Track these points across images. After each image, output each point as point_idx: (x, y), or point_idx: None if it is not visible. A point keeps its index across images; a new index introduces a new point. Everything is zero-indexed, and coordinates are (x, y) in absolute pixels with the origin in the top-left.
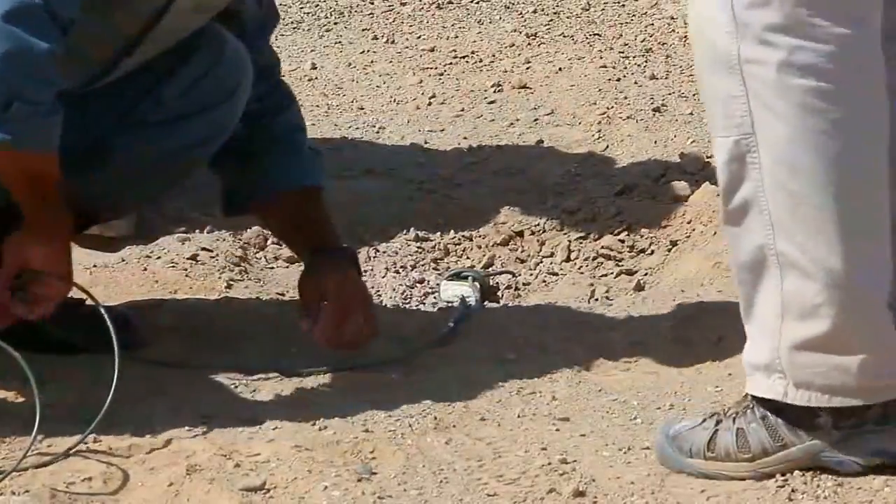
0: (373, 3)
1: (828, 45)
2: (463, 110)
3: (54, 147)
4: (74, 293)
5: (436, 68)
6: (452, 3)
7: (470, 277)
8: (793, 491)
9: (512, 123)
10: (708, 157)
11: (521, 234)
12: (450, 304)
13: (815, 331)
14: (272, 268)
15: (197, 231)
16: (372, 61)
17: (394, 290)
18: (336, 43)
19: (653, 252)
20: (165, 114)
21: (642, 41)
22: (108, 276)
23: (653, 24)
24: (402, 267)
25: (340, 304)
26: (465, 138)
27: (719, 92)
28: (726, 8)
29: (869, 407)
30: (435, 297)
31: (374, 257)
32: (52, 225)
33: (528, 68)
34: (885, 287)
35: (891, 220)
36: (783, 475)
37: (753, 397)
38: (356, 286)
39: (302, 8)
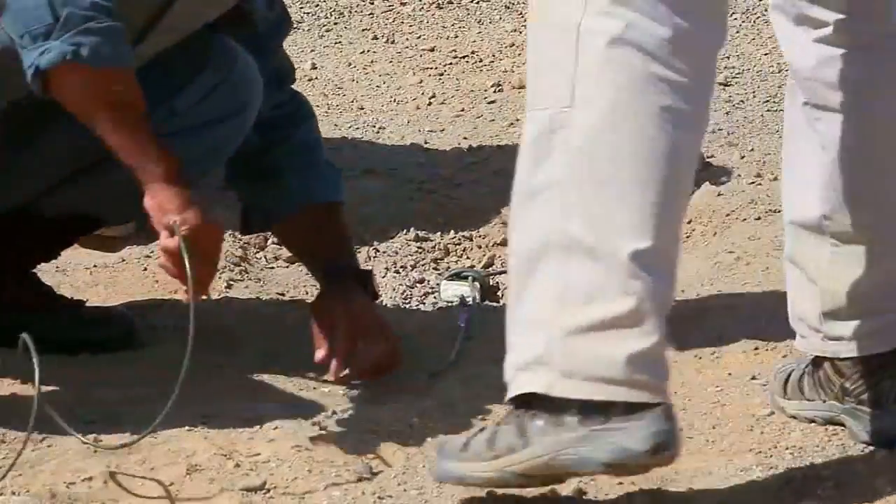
0: (373, 3)
1: (665, 28)
2: (463, 110)
3: (131, 62)
4: (76, 293)
5: (436, 68)
6: (452, 2)
7: (470, 277)
8: (795, 491)
9: (512, 123)
10: (708, 157)
11: None
12: (449, 304)
13: (595, 316)
14: (272, 268)
15: None
16: (372, 61)
17: (394, 290)
18: (336, 43)
19: None
20: (178, 125)
21: None
22: (108, 276)
23: None
24: (402, 267)
25: (351, 334)
26: (465, 138)
27: (547, 60)
28: None
29: (615, 402)
30: (435, 297)
31: (374, 257)
32: (167, 161)
33: None
34: (670, 283)
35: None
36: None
37: (512, 401)
38: (368, 314)
39: (302, 8)
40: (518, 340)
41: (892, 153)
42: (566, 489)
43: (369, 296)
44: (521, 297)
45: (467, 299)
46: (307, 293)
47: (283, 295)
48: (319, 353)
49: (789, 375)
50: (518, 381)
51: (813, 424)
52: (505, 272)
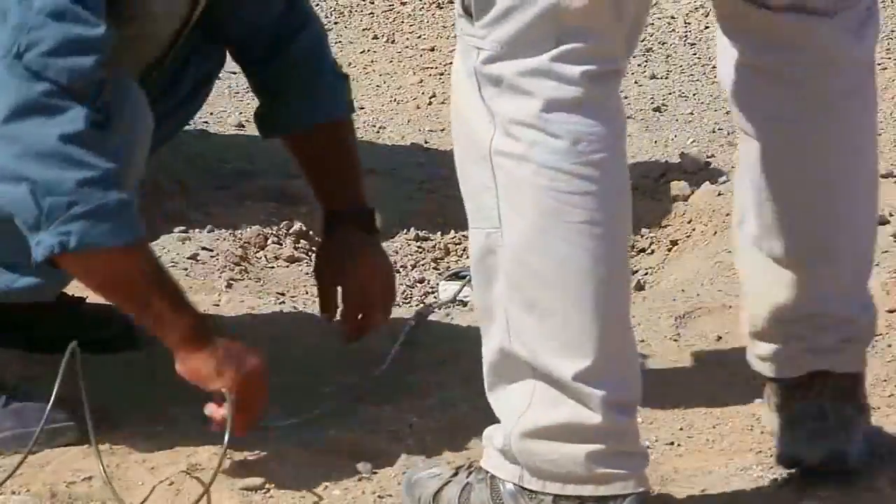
0: (373, 3)
1: (562, 141)
2: None
3: (130, 234)
4: (77, 291)
5: (436, 68)
6: (453, 2)
7: (468, 277)
8: (795, 490)
9: None
10: (708, 157)
11: None
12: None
13: (550, 422)
14: (272, 267)
15: (197, 231)
16: (372, 61)
17: None
18: (336, 42)
19: (653, 252)
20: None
21: (642, 41)
22: None
23: (653, 24)
24: (402, 266)
25: (360, 298)
26: None
27: (474, 182)
28: (476, 97)
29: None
30: (435, 297)
31: None
32: (183, 325)
33: None
34: (627, 387)
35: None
36: (787, 472)
37: None
38: (374, 268)
39: None
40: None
41: (804, 185)
42: None
43: (372, 236)
44: (498, 391)
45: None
46: (307, 293)
47: (283, 294)
48: (326, 317)
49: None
50: (491, 458)
51: None
52: None
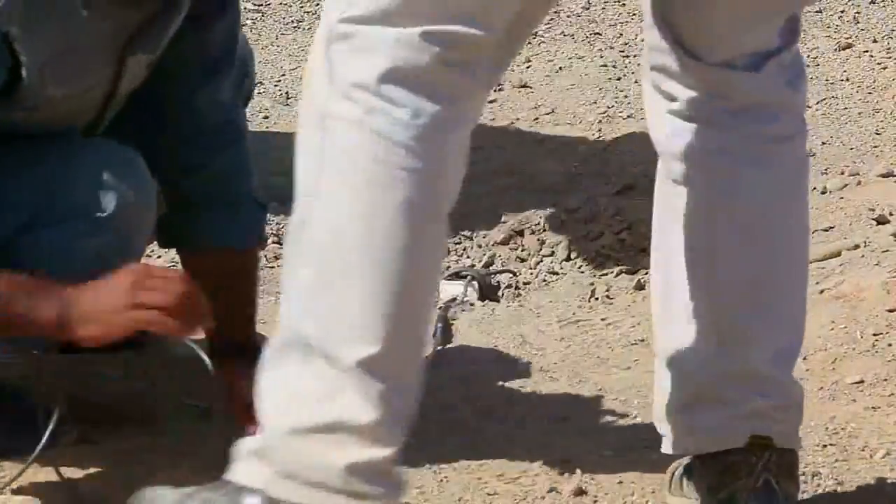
0: None
1: (403, 111)
2: None
3: None
4: None
5: None
6: None
7: (468, 277)
8: None
9: (512, 122)
10: None
11: (521, 233)
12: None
13: (319, 419)
14: (272, 267)
15: None
16: None
17: None
18: None
19: None
20: None
21: (643, 40)
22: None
23: None
24: None
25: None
26: None
27: (302, 147)
28: (324, 58)
29: None
30: (435, 297)
31: None
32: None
33: (528, 67)
34: (404, 392)
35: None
36: None
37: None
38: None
39: (302, 7)
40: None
41: (727, 242)
42: (567, 488)
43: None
44: (264, 386)
45: (456, 299)
46: None
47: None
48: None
49: (675, 471)
50: (238, 469)
51: (813, 423)
52: (506, 271)
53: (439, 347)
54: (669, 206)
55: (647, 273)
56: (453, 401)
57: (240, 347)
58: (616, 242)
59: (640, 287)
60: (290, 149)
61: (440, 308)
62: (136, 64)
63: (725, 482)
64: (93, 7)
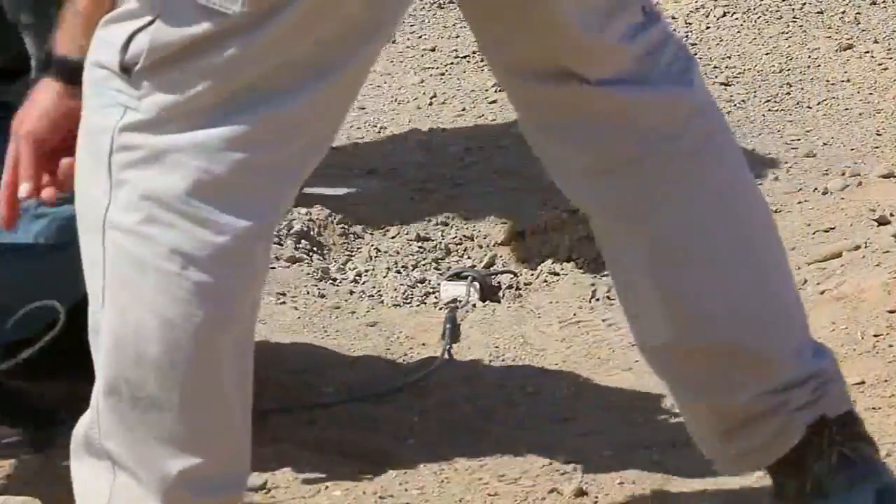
0: None
1: (207, 232)
2: (464, 110)
3: None
4: None
5: (437, 68)
6: (454, 2)
7: (469, 277)
8: None
9: (513, 123)
10: None
11: (522, 233)
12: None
13: None
14: (273, 267)
15: None
16: None
17: (395, 290)
18: None
19: None
20: None
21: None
22: None
23: None
24: (403, 267)
25: None
26: (466, 138)
27: (85, 253)
28: (103, 162)
29: None
30: (436, 297)
31: (376, 257)
32: None
33: None
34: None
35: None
36: None
37: None
38: None
39: None
40: None
41: (701, 261)
42: (568, 489)
43: None
44: (75, 463)
45: (460, 300)
46: (308, 293)
47: (283, 294)
48: None
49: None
50: None
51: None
52: (506, 271)
53: (448, 346)
54: (626, 248)
55: None
56: (454, 401)
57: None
58: None
59: None
60: None
61: (448, 308)
62: None
63: (804, 475)
64: None
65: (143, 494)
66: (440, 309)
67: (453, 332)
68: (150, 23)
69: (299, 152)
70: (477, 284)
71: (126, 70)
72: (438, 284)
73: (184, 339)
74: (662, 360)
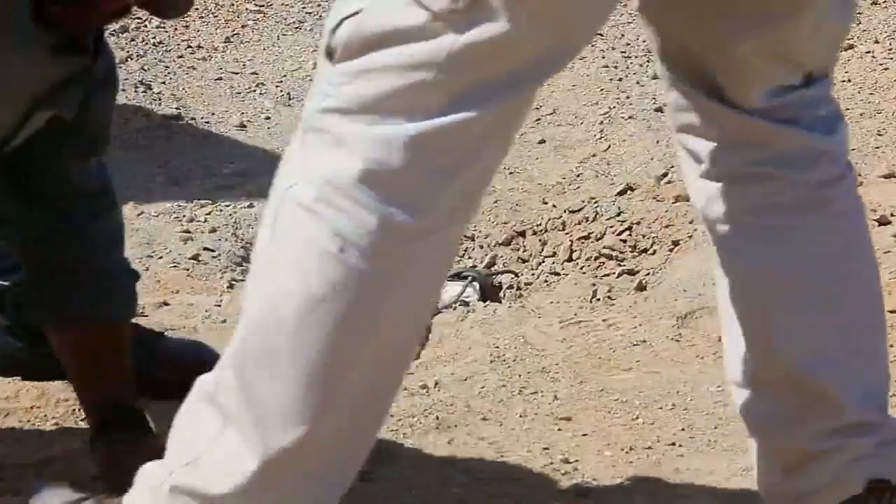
0: None
1: (369, 217)
2: None
3: None
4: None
5: None
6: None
7: (470, 277)
8: None
9: None
10: None
11: (522, 233)
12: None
13: (219, 489)
14: None
15: (199, 231)
16: None
17: None
18: None
19: (655, 252)
20: None
21: (644, 41)
22: None
23: None
24: None
25: None
26: None
27: (266, 213)
28: (301, 139)
29: None
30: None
31: None
32: None
33: None
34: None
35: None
36: None
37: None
38: None
39: (304, 8)
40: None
41: (803, 290)
42: (568, 489)
43: (150, 433)
44: (178, 421)
45: (463, 298)
46: None
47: None
48: None
49: None
50: (133, 496)
51: None
52: (508, 272)
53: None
54: (725, 270)
55: (648, 274)
56: (454, 401)
57: (122, 419)
58: (617, 243)
59: (641, 288)
60: None
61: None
62: (40, 118)
63: None
64: (28, 52)
65: (245, 454)
66: (441, 309)
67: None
68: (357, 12)
69: (479, 169)
70: (477, 285)
71: (330, 55)
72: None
73: (324, 319)
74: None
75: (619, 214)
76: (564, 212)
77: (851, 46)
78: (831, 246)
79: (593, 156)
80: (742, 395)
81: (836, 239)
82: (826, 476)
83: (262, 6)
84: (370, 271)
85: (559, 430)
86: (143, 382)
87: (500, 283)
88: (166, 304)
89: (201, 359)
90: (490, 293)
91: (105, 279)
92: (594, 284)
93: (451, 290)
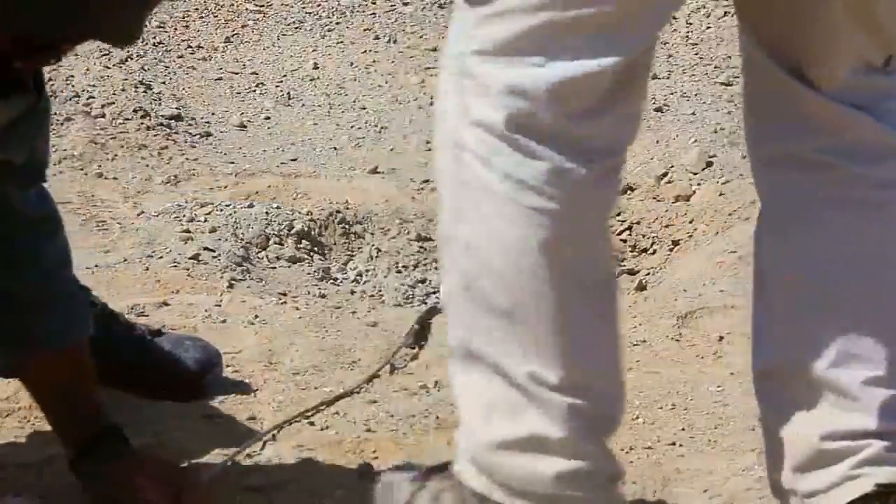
0: (374, 3)
1: (541, 162)
2: None
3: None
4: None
5: (438, 68)
6: (454, 2)
7: None
8: None
9: None
10: (710, 157)
11: None
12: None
13: (515, 434)
14: (274, 267)
15: (198, 231)
16: (374, 61)
17: (395, 290)
18: (338, 42)
19: (654, 251)
20: None
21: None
22: (109, 276)
23: None
24: (404, 266)
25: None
26: None
27: (441, 166)
28: (458, 83)
29: None
30: (437, 297)
31: (377, 257)
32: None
33: None
34: (601, 405)
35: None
36: None
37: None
38: (155, 470)
39: (304, 7)
40: (462, 423)
41: (846, 284)
42: None
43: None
44: (457, 390)
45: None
46: (309, 293)
47: (284, 294)
48: None
49: None
50: (464, 468)
51: None
52: None
53: (406, 349)
54: (775, 258)
55: (648, 273)
56: (453, 400)
57: (96, 438)
58: (618, 242)
59: (641, 288)
60: (291, 148)
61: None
62: None
63: None
64: None
65: (515, 393)
66: (440, 309)
67: (417, 335)
68: None
69: (615, 119)
70: None
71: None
72: (439, 284)
73: (520, 259)
74: (763, 384)
75: (618, 214)
76: None
77: None
78: (876, 248)
79: None
80: (762, 385)
81: (879, 241)
82: (835, 477)
83: (262, 6)
84: (548, 207)
85: None
86: (142, 383)
87: None
88: (166, 304)
89: (201, 358)
90: None
91: (64, 299)
92: None
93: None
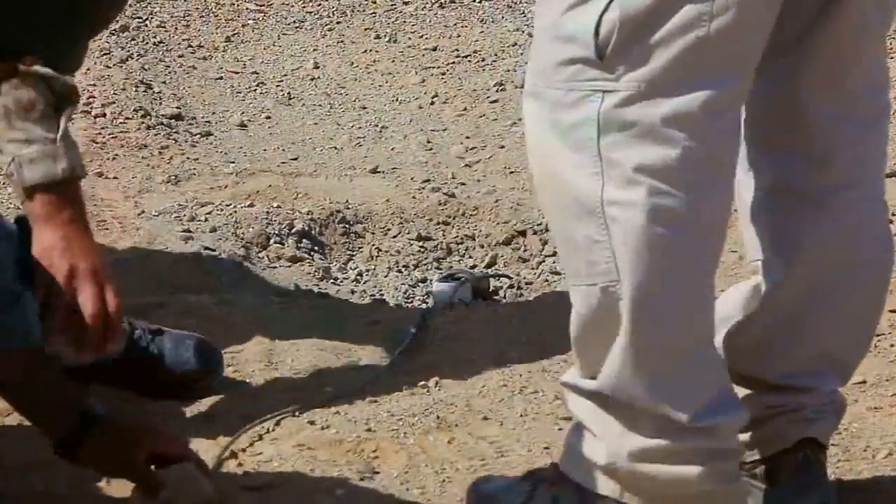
0: (375, 3)
1: (683, 195)
2: (465, 109)
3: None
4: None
5: (438, 67)
6: (455, 1)
7: (462, 279)
8: None
9: (514, 122)
10: None
11: (523, 233)
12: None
13: (657, 444)
14: (274, 267)
15: (199, 230)
16: (374, 60)
17: (396, 289)
18: (338, 42)
19: None
20: None
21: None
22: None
23: None
24: (404, 266)
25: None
26: (467, 137)
27: (578, 239)
28: (589, 149)
29: None
30: (436, 297)
31: (377, 257)
32: None
33: None
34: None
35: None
36: None
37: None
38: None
39: (304, 7)
40: (596, 434)
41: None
42: None
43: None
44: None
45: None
46: (309, 293)
47: (285, 294)
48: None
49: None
50: (582, 473)
51: None
52: (504, 275)
53: (399, 350)
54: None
55: None
56: (455, 400)
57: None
58: None
59: None
60: (291, 148)
61: (423, 312)
62: None
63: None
64: None
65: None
66: (442, 310)
67: (414, 336)
68: (611, 2)
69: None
70: (469, 286)
71: (601, 55)
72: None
73: (691, 294)
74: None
75: None
76: None
77: None
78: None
79: None
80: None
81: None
82: (771, 430)
83: (263, 6)
84: (707, 247)
85: (560, 429)
86: (142, 383)
87: (495, 286)
88: (166, 303)
89: (201, 357)
90: (483, 296)
91: (15, 307)
92: None
93: (445, 290)
